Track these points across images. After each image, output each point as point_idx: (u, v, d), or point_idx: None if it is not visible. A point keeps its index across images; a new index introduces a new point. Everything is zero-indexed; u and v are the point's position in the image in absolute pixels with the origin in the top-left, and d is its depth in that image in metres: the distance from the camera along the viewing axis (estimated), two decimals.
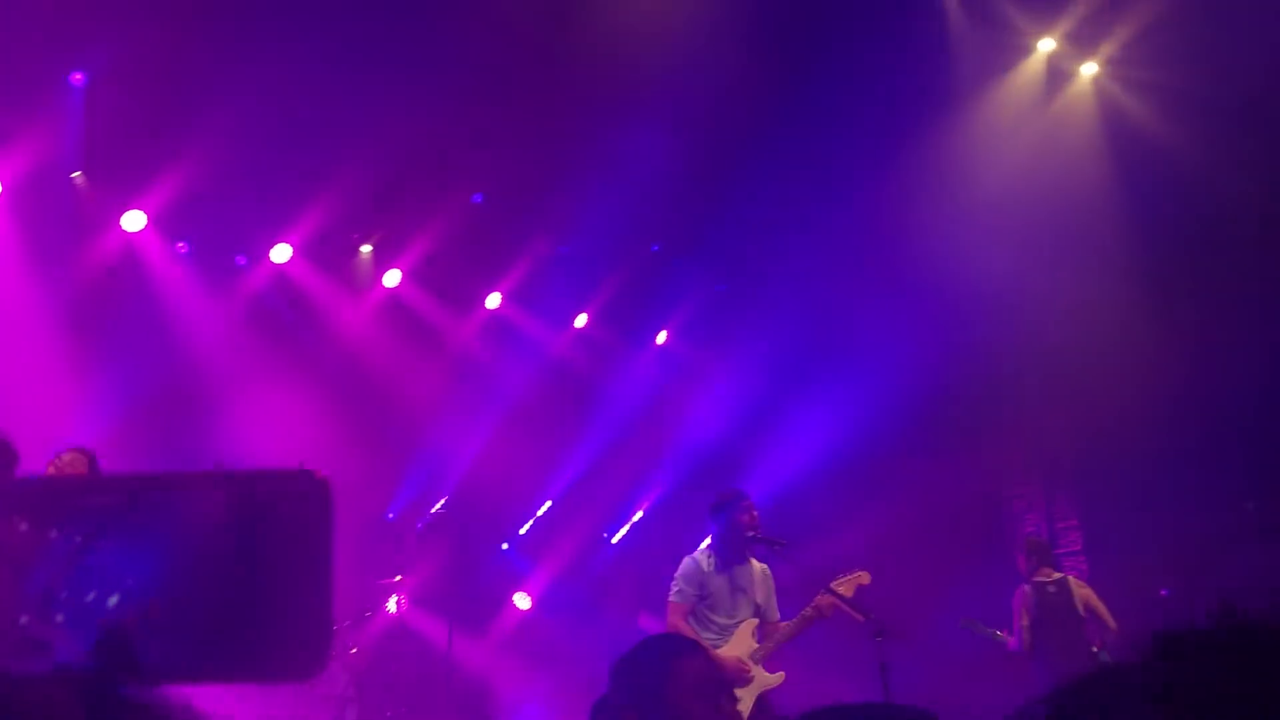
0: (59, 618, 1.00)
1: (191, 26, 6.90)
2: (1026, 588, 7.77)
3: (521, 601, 9.34)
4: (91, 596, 1.00)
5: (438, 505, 9.07)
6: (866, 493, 9.68)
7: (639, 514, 10.37)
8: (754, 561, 5.76)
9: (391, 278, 9.23)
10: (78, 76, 7.30)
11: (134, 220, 8.04)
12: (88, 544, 1.05)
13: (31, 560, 1.03)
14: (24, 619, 0.99)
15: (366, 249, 9.12)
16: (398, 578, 8.25)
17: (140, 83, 7.23)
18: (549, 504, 9.97)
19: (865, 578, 5.68)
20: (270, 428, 8.21)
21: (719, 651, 5.44)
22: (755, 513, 5.65)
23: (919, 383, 9.30)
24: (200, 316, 8.32)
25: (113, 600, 1.03)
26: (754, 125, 8.22)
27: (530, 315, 9.79)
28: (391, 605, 8.14)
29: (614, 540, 10.22)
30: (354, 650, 7.55)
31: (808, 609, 5.51)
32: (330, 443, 8.48)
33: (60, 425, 7.19)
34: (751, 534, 5.60)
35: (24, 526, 1.04)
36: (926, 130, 8.44)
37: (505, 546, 9.78)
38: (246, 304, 8.61)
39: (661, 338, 10.50)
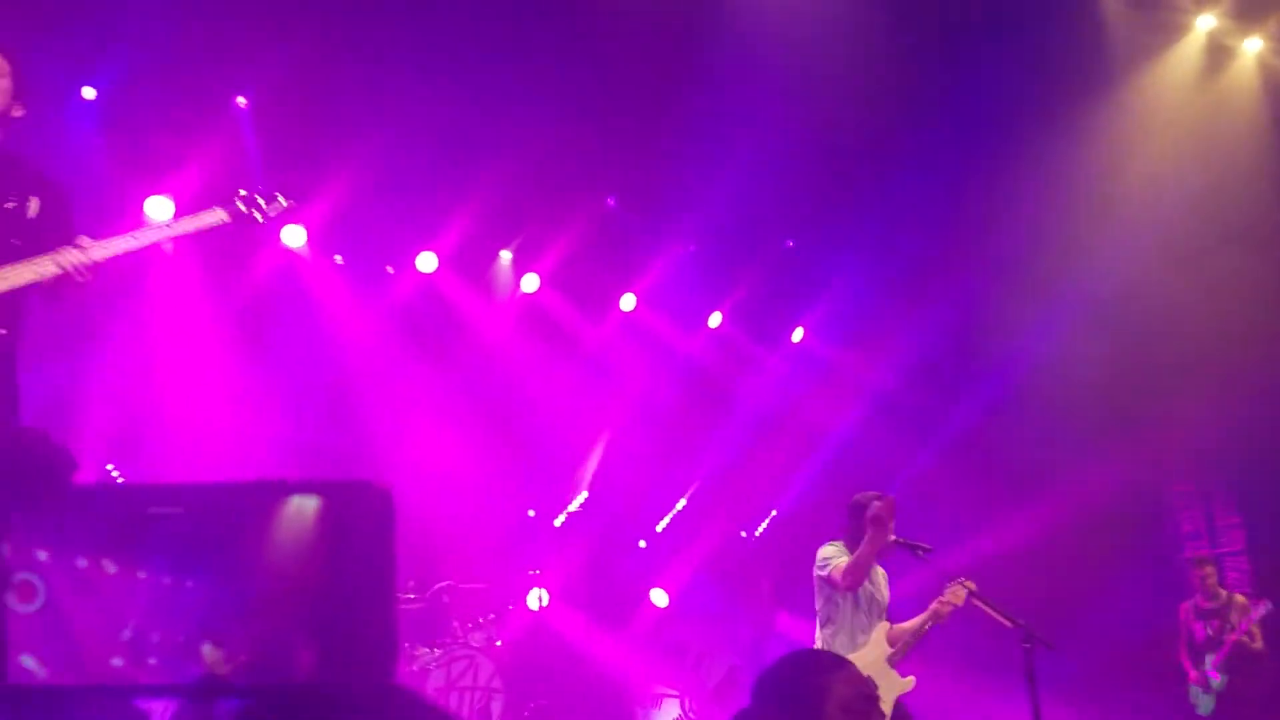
0: (152, 661, 1.07)
1: (340, 51, 7.22)
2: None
3: (659, 598, 9.43)
4: (183, 639, 1.05)
5: (576, 502, 9.24)
6: (1019, 492, 9.38)
7: (774, 512, 10.33)
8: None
9: (530, 282, 9.45)
10: (241, 100, 7.71)
11: (294, 236, 8.43)
12: (177, 583, 1.08)
13: (122, 603, 1.07)
14: (117, 661, 1.04)
15: (506, 255, 9.37)
16: (537, 572, 8.44)
17: (296, 105, 7.64)
18: (684, 502, 10.03)
19: (971, 586, 5.45)
20: (418, 430, 8.54)
21: (858, 654, 5.38)
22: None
23: (1072, 378, 8.96)
24: (354, 325, 8.70)
25: (207, 650, 1.05)
26: (896, 115, 8.05)
27: (664, 315, 9.86)
28: (533, 600, 8.34)
29: (751, 537, 10.21)
30: (498, 643, 7.76)
31: (930, 612, 5.44)
32: (474, 443, 8.75)
33: (231, 431, 7.65)
34: (893, 537, 5.46)
35: (113, 569, 1.08)
36: (1080, 116, 8.13)
37: (642, 544, 9.88)
38: (396, 311, 8.95)
39: (798, 335, 10.42)
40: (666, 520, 10.01)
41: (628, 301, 9.78)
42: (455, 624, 7.73)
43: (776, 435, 10.03)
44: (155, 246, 3.92)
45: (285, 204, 3.93)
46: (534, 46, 7.37)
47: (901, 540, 5.49)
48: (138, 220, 7.82)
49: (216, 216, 3.79)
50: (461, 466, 8.62)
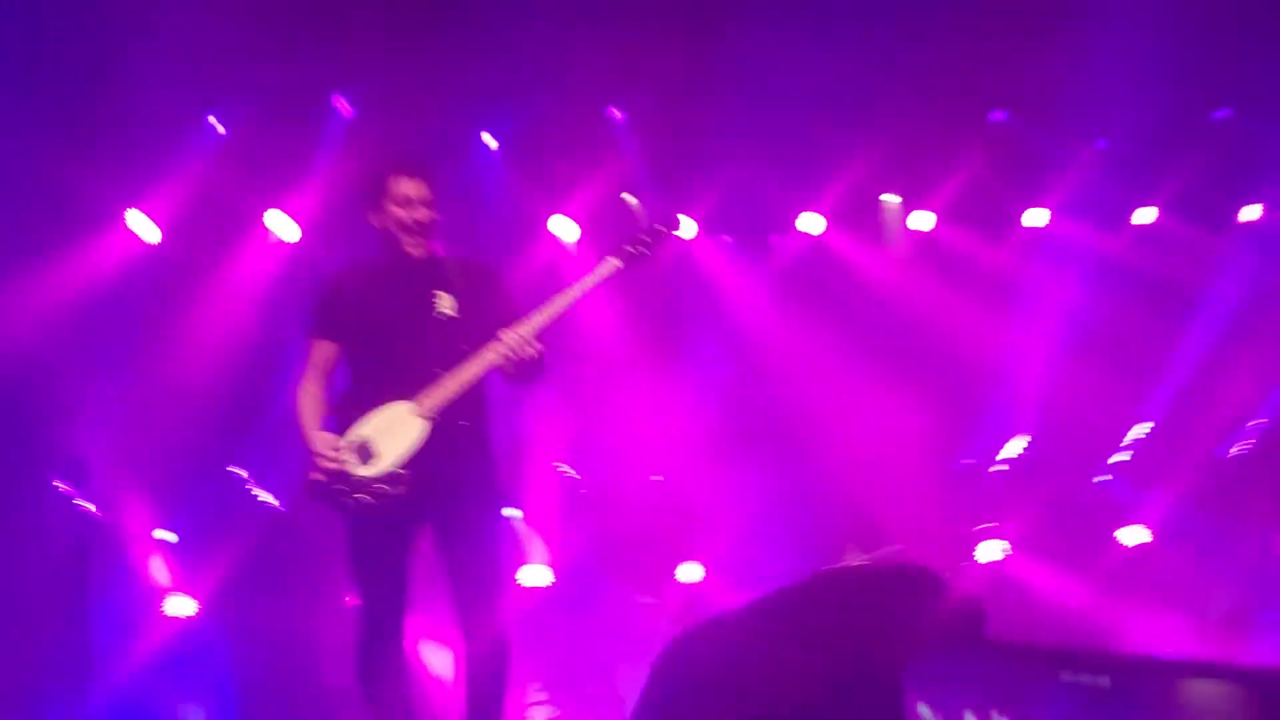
0: None
1: (700, 51, 7.36)
2: None
3: (1131, 537, 8.51)
4: None
5: (1016, 445, 8.61)
6: None
7: (1264, 420, 8.89)
8: None
9: (920, 220, 8.97)
10: (618, 113, 8.13)
11: (685, 228, 8.70)
12: None
13: None
14: None
15: (891, 198, 8.98)
16: (986, 525, 7.99)
17: (665, 109, 7.99)
18: (1150, 425, 8.95)
19: None
20: (828, 391, 8.44)
21: None
22: None
23: None
24: (751, 301, 8.80)
25: None
26: None
27: (1082, 224, 8.92)
28: (987, 554, 7.91)
29: (1231, 453, 8.90)
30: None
31: None
32: (894, 400, 8.45)
33: (663, 420, 8.05)
34: None
35: None
36: None
37: (1103, 479, 8.96)
38: (785, 279, 8.93)
39: (1251, 213, 8.92)
40: (1128, 449, 8.99)
41: (1037, 217, 8.97)
42: None
43: (1249, 333, 8.68)
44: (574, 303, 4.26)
45: (668, 231, 4.23)
46: None
47: None
48: (552, 242, 8.48)
49: (611, 266, 4.17)
50: (885, 425, 8.37)
